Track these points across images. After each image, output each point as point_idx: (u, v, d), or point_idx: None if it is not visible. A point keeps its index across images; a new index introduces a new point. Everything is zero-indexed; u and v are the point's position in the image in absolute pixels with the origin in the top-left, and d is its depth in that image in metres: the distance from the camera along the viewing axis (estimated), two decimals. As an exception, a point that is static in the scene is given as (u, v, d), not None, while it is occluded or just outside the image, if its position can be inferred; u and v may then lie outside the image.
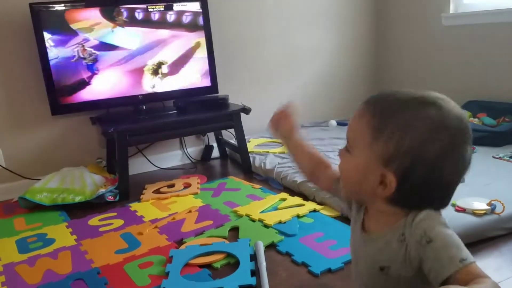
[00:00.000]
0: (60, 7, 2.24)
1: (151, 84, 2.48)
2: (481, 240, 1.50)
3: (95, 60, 2.33)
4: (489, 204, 1.56)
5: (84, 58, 2.31)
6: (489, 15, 2.61)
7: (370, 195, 0.74)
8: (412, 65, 3.16)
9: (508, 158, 2.14)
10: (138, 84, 2.45)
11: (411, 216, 0.71)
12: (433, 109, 0.69)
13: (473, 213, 1.54)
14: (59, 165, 2.38)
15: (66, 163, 2.41)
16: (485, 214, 1.53)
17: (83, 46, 2.30)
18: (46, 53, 2.22)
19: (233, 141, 2.67)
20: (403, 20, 3.16)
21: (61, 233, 1.84)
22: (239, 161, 2.60)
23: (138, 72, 2.44)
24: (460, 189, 1.82)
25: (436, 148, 0.67)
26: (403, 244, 0.71)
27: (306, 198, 2.00)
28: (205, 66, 2.59)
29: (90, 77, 2.34)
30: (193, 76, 2.58)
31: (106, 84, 2.38)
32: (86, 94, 2.35)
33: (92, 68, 2.34)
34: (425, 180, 0.69)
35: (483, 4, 2.69)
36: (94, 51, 2.32)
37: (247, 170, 2.50)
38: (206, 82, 2.61)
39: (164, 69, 2.50)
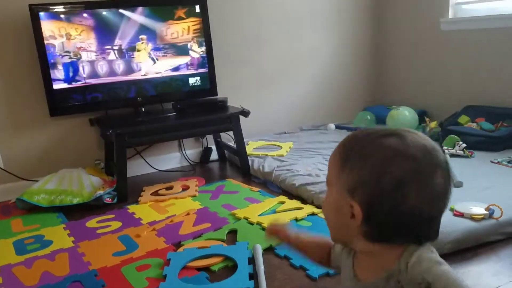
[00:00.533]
0: (59, 8, 2.24)
1: (147, 75, 2.48)
2: (479, 245, 1.50)
3: (93, 60, 2.33)
4: (487, 209, 1.56)
5: (82, 58, 2.31)
6: (487, 20, 2.62)
7: (350, 232, 0.72)
8: (410, 69, 3.17)
9: (506, 163, 2.15)
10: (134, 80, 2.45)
11: (404, 262, 0.69)
12: (394, 139, 0.68)
13: (471, 217, 1.54)
14: (57, 166, 2.37)
15: (64, 165, 2.41)
16: (483, 219, 1.53)
17: (82, 47, 2.30)
18: (45, 54, 2.23)
19: (231, 143, 2.67)
20: (402, 25, 3.17)
21: (59, 235, 1.83)
22: (238, 164, 2.59)
23: (136, 72, 2.45)
24: (458, 193, 1.83)
25: (394, 177, 0.66)
26: None
27: (304, 201, 2.00)
28: (204, 68, 2.59)
29: (89, 78, 2.34)
30: (192, 78, 2.58)
31: (104, 85, 2.38)
32: (85, 95, 2.34)
33: (90, 69, 2.34)
34: (391, 210, 0.67)
35: (482, 9, 2.71)
36: (92, 52, 2.33)
37: (246, 173, 2.50)
38: (205, 85, 2.61)
39: (162, 67, 2.50)
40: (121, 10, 2.35)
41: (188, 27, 2.53)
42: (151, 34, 2.45)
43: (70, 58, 2.28)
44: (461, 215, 1.56)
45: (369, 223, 0.69)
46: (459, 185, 1.85)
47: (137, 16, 2.40)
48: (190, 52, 2.55)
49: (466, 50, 2.77)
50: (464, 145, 2.32)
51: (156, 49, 2.47)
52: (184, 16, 2.50)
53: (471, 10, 2.77)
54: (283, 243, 1.02)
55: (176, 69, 2.53)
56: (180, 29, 2.51)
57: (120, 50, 2.39)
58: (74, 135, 2.50)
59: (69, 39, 2.27)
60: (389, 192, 0.66)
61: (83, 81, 2.33)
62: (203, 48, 2.58)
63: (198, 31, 2.54)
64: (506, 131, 2.40)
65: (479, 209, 1.57)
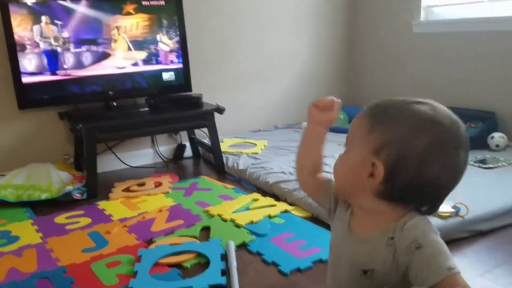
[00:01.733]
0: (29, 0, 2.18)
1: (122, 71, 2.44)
2: (445, 242, 1.54)
3: (65, 51, 2.28)
4: (453, 207, 1.61)
5: (53, 50, 2.25)
6: (457, 23, 2.70)
7: (360, 190, 0.74)
8: (383, 70, 3.23)
9: (473, 163, 2.22)
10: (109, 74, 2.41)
11: (402, 222, 0.71)
12: (426, 107, 0.71)
13: (438, 215, 1.58)
14: (25, 161, 2.31)
15: (32, 159, 2.34)
16: (449, 216, 1.58)
17: (53, 38, 2.24)
18: (14, 45, 2.16)
19: (206, 140, 2.66)
20: (375, 27, 3.23)
21: (26, 231, 1.79)
22: (212, 161, 2.59)
23: (110, 67, 2.41)
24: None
25: (424, 142, 0.68)
26: (392, 248, 0.71)
27: (278, 198, 2.02)
28: (179, 64, 2.57)
29: (59, 70, 2.28)
30: (166, 73, 2.55)
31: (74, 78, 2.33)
32: (55, 88, 2.29)
33: (61, 61, 2.28)
34: (412, 175, 0.69)
35: (452, 13, 2.79)
36: (64, 43, 2.27)
37: (220, 170, 2.49)
38: (179, 80, 2.59)
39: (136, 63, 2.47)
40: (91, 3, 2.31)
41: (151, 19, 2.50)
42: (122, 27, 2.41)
43: (39, 49, 2.22)
44: (429, 212, 1.60)
45: (388, 183, 0.70)
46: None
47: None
48: (160, 44, 2.51)
49: (436, 52, 2.85)
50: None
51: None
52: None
53: (442, 14, 2.85)
54: (314, 125, 0.89)
55: (146, 62, 2.49)
56: (147, 22, 2.48)
57: (93, 41, 2.34)
58: (43, 129, 2.43)
59: (39, 30, 2.20)
60: (417, 156, 0.68)
61: (53, 73, 2.27)
62: (175, 40, 2.54)
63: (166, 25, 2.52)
64: (473, 132, 2.48)
65: (446, 208, 1.61)
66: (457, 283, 0.64)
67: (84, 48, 2.33)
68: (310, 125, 0.90)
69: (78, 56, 2.32)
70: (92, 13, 2.32)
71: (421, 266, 0.67)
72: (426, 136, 0.68)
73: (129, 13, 2.41)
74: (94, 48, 2.35)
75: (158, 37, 2.50)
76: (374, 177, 0.71)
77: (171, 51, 2.55)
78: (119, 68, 2.43)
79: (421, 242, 0.68)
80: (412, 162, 0.68)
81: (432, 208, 0.74)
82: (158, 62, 2.52)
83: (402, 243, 0.70)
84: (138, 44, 2.46)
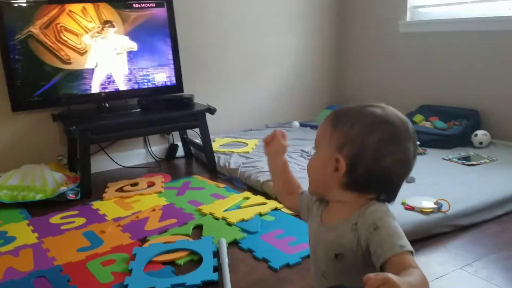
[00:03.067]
0: (22, 2, 2.20)
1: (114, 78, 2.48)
2: (428, 236, 1.61)
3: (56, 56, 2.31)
4: (436, 203, 1.68)
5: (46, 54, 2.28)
6: (442, 23, 2.77)
7: (329, 184, 0.86)
8: (370, 69, 3.29)
9: (456, 160, 2.29)
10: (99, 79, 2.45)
11: (364, 208, 0.82)
12: (378, 108, 0.84)
13: (421, 211, 1.65)
14: (19, 162, 2.33)
15: (26, 161, 2.37)
16: (432, 212, 1.65)
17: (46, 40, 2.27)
18: (8, 48, 2.18)
19: (198, 140, 2.70)
20: (362, 27, 3.29)
21: (22, 231, 1.82)
22: (204, 161, 2.63)
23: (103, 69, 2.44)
24: (409, 188, 1.94)
25: (377, 137, 0.80)
26: (356, 233, 0.82)
27: (268, 197, 2.07)
28: (171, 65, 2.61)
29: (53, 73, 2.31)
30: (158, 74, 2.59)
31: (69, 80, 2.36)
32: (48, 91, 2.32)
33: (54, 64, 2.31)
34: (369, 166, 0.81)
35: (437, 13, 2.85)
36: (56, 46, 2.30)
37: (212, 170, 2.54)
38: (171, 81, 2.63)
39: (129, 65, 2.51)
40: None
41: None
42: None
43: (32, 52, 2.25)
44: (412, 208, 1.67)
45: (349, 175, 0.82)
46: (411, 180, 1.97)
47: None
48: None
49: (422, 51, 2.91)
50: (418, 142, 2.44)
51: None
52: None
53: (428, 14, 2.92)
54: (270, 157, 1.06)
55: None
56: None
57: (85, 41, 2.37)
58: (37, 130, 2.46)
59: (31, 32, 2.23)
60: (371, 150, 0.80)
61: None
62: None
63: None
64: (457, 129, 2.55)
65: (428, 203, 1.68)
66: (407, 261, 0.73)
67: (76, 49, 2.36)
68: (269, 159, 1.06)
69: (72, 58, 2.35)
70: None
71: (378, 244, 0.77)
72: (378, 132, 0.80)
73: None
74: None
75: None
76: (338, 171, 0.83)
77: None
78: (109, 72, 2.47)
79: (378, 224, 0.79)
80: (368, 155, 0.80)
81: (390, 195, 0.86)
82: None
83: (363, 227, 0.81)
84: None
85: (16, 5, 2.20)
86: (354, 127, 0.82)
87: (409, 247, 0.76)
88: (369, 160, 0.80)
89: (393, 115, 0.83)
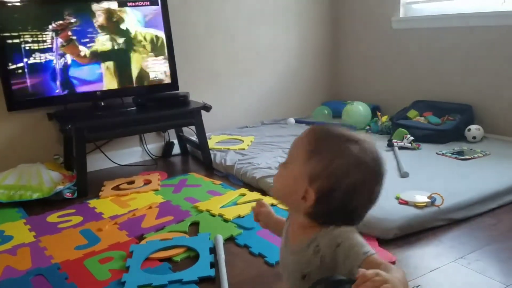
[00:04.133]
0: (16, 3, 2.20)
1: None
2: (422, 230, 1.63)
3: (54, 55, 2.31)
4: (429, 197, 1.69)
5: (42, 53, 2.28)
6: (435, 19, 2.79)
7: (295, 207, 0.88)
8: (364, 66, 3.31)
9: (450, 154, 2.31)
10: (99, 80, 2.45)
11: (323, 230, 0.84)
12: (357, 148, 0.83)
13: (415, 205, 1.67)
14: (16, 161, 2.34)
15: (22, 160, 2.37)
16: (425, 206, 1.66)
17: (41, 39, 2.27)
18: (3, 47, 2.18)
19: (194, 137, 2.71)
20: (357, 23, 3.30)
21: (19, 230, 1.83)
22: (200, 158, 2.64)
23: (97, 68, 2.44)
24: (403, 183, 1.96)
25: (352, 180, 0.82)
26: (319, 254, 0.84)
27: (264, 193, 2.08)
28: (165, 63, 2.61)
29: (47, 72, 2.32)
30: (152, 72, 2.59)
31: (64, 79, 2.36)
32: (43, 90, 2.32)
33: (50, 63, 2.31)
34: (338, 204, 0.83)
35: (430, 9, 2.87)
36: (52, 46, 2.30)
37: (208, 167, 2.55)
38: (166, 79, 2.64)
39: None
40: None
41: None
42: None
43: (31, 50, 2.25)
44: (406, 203, 1.69)
45: (316, 207, 0.84)
46: (405, 175, 1.99)
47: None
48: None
49: (415, 47, 2.93)
50: (412, 138, 2.47)
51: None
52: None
53: (421, 10, 2.93)
54: (264, 225, 1.13)
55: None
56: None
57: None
58: (32, 129, 2.46)
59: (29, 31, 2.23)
60: (342, 192, 0.82)
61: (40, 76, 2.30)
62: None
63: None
64: (451, 124, 2.57)
65: (422, 198, 1.70)
66: (374, 262, 0.76)
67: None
68: (267, 227, 1.13)
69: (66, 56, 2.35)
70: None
71: (344, 258, 0.79)
72: (354, 176, 0.82)
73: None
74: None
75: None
76: (306, 200, 0.84)
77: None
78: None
79: (339, 240, 0.81)
80: (339, 195, 0.82)
81: (347, 224, 0.85)
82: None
83: (325, 247, 0.83)
84: (124, 45, 2.50)
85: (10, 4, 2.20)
86: (332, 165, 0.82)
87: (372, 251, 0.78)
88: (340, 199, 0.82)
89: (370, 156, 0.84)
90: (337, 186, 0.81)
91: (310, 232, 0.87)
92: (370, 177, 0.84)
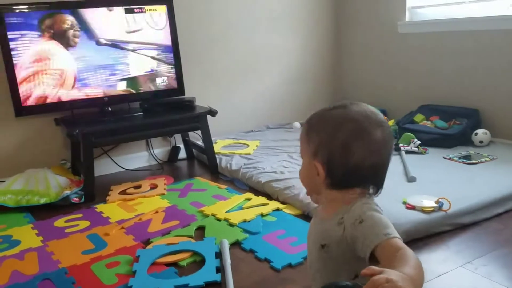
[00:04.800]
0: (24, 8, 2.23)
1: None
2: (429, 235, 1.62)
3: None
4: (437, 202, 1.68)
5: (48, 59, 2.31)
6: (441, 23, 2.78)
7: (318, 186, 0.92)
8: (370, 69, 3.30)
9: (457, 159, 2.30)
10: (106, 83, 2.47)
11: (351, 204, 0.87)
12: (339, 109, 0.89)
13: (422, 210, 1.66)
14: (23, 167, 2.36)
15: (30, 165, 2.39)
16: (433, 211, 1.66)
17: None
18: (10, 54, 2.21)
19: (199, 142, 2.72)
20: (362, 27, 3.30)
21: (27, 235, 1.84)
22: (206, 162, 2.65)
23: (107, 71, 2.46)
24: (410, 187, 1.95)
25: (343, 136, 0.85)
26: (342, 226, 0.86)
27: (270, 197, 2.08)
28: (172, 68, 2.63)
29: (55, 78, 2.34)
30: (159, 77, 2.61)
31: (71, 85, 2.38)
32: (51, 95, 2.34)
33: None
34: (343, 163, 0.86)
35: (436, 13, 2.86)
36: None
37: (214, 171, 2.55)
38: (173, 84, 2.65)
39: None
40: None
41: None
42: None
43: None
44: (413, 208, 1.68)
45: (330, 176, 0.88)
46: (413, 180, 1.98)
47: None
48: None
49: (421, 51, 2.92)
50: (419, 142, 2.46)
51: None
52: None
53: (427, 14, 2.93)
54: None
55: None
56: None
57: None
58: (40, 135, 2.48)
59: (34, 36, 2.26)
60: (339, 149, 0.85)
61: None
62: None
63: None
64: (458, 128, 2.55)
65: (429, 202, 1.69)
66: (393, 244, 0.75)
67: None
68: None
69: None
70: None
71: (364, 236, 0.80)
72: (343, 131, 0.86)
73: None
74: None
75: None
76: (319, 175, 0.89)
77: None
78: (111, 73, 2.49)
79: (363, 217, 0.82)
80: (338, 154, 0.86)
81: (376, 186, 0.89)
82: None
83: (349, 221, 0.85)
84: (131, 50, 2.52)
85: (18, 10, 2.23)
86: (321, 132, 0.88)
87: (395, 233, 0.78)
88: (341, 159, 0.85)
89: (354, 111, 0.87)
90: (333, 146, 0.86)
91: (337, 205, 0.89)
92: (360, 127, 0.85)
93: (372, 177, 0.88)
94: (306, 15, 3.31)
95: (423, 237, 1.60)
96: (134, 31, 2.50)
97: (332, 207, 0.91)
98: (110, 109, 2.51)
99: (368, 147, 0.85)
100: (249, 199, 2.07)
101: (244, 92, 3.15)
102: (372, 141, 0.85)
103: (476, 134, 2.50)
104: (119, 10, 2.44)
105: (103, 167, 2.64)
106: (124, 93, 2.53)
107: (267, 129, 3.21)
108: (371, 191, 0.89)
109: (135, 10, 2.49)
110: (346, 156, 0.85)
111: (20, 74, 2.25)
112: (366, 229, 0.80)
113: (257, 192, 2.17)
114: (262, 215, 1.88)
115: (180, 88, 2.67)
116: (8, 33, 2.19)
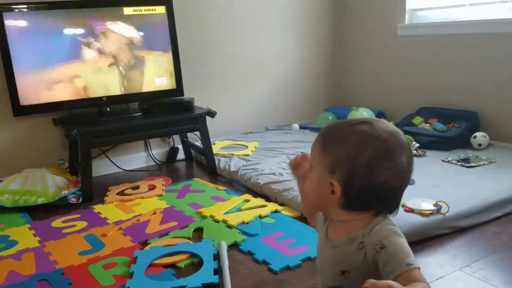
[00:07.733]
0: (23, 7, 2.22)
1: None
2: (427, 238, 1.62)
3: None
4: (435, 205, 1.69)
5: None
6: (440, 26, 2.79)
7: (328, 205, 0.85)
8: (369, 72, 3.31)
9: (455, 161, 2.30)
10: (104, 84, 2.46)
11: (370, 227, 0.81)
12: (364, 126, 0.82)
13: (421, 213, 1.66)
14: (21, 166, 2.35)
15: (27, 165, 2.38)
16: (431, 214, 1.66)
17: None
18: (9, 53, 2.20)
19: (198, 143, 2.72)
20: (361, 29, 3.30)
21: (24, 235, 1.83)
22: (204, 163, 2.64)
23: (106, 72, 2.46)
24: (409, 190, 1.95)
25: (367, 155, 0.78)
26: (362, 251, 0.81)
27: (268, 199, 2.08)
28: (171, 69, 2.62)
29: (53, 78, 2.33)
30: (158, 78, 2.60)
31: (68, 85, 2.38)
32: (49, 95, 2.33)
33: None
34: (364, 184, 0.79)
35: (435, 16, 2.87)
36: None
37: (212, 172, 2.55)
38: (172, 85, 2.64)
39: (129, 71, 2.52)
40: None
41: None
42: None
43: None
44: (411, 210, 1.68)
45: (346, 196, 0.81)
46: (411, 182, 1.98)
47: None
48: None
49: (421, 54, 2.93)
50: (417, 144, 2.46)
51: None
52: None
53: (426, 17, 2.93)
54: (298, 179, 1.03)
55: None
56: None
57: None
58: (38, 135, 2.48)
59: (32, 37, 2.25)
60: (363, 169, 0.78)
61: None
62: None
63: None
64: (457, 131, 2.55)
65: (427, 205, 1.69)
66: (415, 277, 0.73)
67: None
68: (298, 182, 1.02)
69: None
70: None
71: (385, 263, 0.76)
72: (368, 150, 0.79)
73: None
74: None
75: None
76: (334, 194, 0.81)
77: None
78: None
79: (385, 243, 0.77)
80: (361, 174, 0.79)
81: (391, 208, 0.84)
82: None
83: (370, 246, 0.79)
84: (130, 50, 2.51)
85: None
86: (342, 148, 0.80)
87: (416, 264, 0.75)
88: (363, 179, 0.79)
89: (381, 130, 0.80)
90: (355, 165, 0.78)
91: (354, 227, 0.83)
92: (388, 147, 0.79)
93: (389, 202, 0.83)
94: (305, 18, 3.31)
95: (421, 240, 1.60)
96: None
97: (344, 229, 0.85)
98: (108, 109, 2.50)
99: (392, 171, 0.79)
100: (247, 201, 2.07)
101: (243, 93, 3.14)
102: (397, 165, 0.79)
103: (475, 137, 2.50)
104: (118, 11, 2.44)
105: (101, 167, 2.63)
106: (122, 93, 2.52)
107: (266, 130, 3.21)
108: (384, 211, 0.83)
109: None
110: (370, 175, 0.78)
111: (18, 74, 2.24)
112: (388, 256, 0.76)
113: (256, 193, 2.17)
114: (260, 217, 1.88)
115: (179, 88, 2.67)
116: (7, 32, 2.18)
